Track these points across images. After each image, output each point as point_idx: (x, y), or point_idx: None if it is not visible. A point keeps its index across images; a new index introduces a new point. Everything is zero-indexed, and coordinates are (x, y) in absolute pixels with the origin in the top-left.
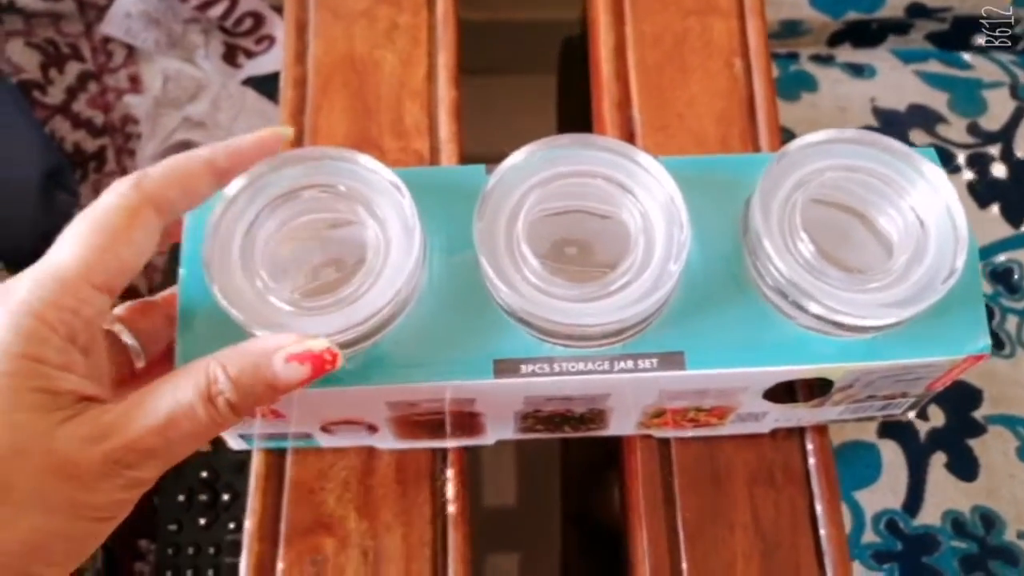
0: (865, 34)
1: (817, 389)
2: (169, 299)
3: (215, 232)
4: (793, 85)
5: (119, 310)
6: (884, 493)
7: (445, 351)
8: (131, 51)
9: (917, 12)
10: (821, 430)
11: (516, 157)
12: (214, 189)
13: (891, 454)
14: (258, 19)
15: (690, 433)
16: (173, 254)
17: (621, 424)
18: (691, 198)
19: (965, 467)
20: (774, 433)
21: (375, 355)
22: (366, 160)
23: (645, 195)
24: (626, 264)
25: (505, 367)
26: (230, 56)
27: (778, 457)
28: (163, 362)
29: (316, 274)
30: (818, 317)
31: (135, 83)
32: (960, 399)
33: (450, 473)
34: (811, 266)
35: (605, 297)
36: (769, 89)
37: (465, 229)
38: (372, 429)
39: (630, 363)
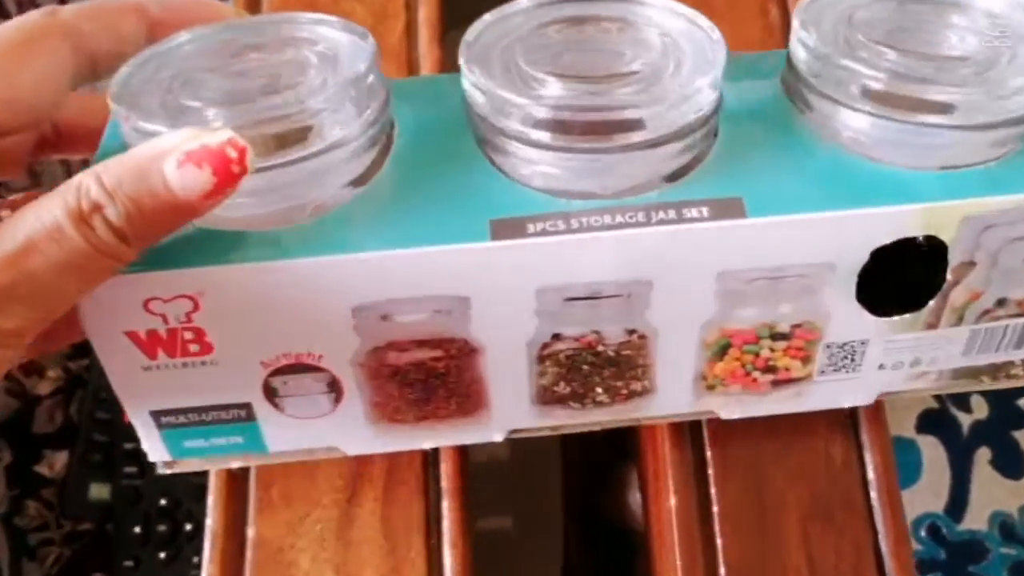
0: None
1: (928, 292)
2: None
3: (132, 70)
4: None
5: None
6: (925, 495)
7: (426, 214)
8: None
9: None
10: (884, 453)
11: (503, 10)
12: (141, 36)
13: (932, 451)
14: None
15: (769, 404)
16: None
17: (673, 384)
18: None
19: (1012, 463)
20: (829, 461)
21: (326, 223)
22: (325, 16)
23: (665, 20)
24: (653, 65)
25: (505, 227)
26: None
27: (836, 490)
28: None
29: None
30: (934, 107)
31: None
32: None
33: (447, 522)
34: (898, 62)
35: (632, 98)
36: None
37: (446, 116)
38: (335, 389)
39: (672, 212)
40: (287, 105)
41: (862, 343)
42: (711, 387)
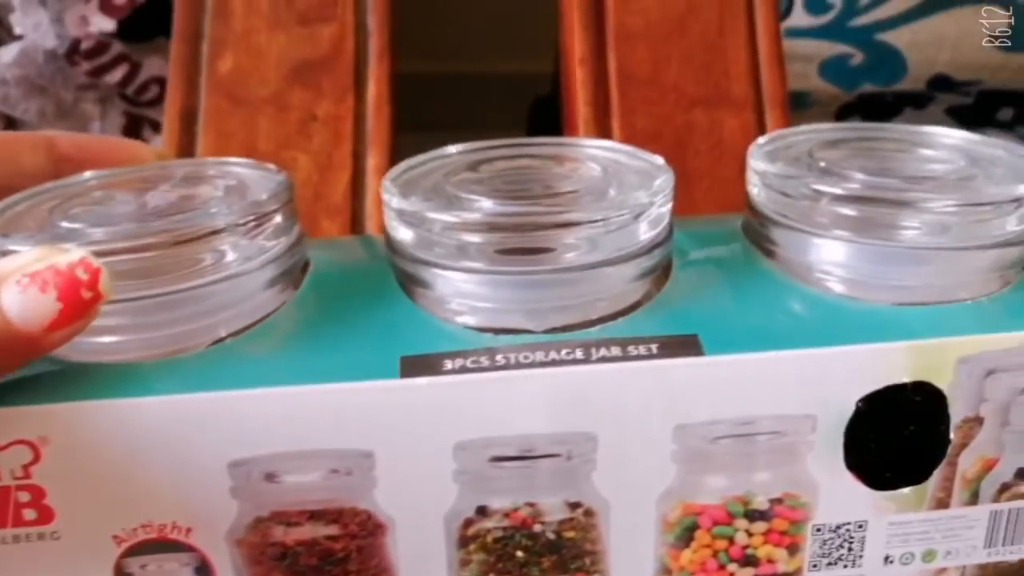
0: (879, 107)
1: (932, 458)
2: None
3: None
4: None
5: None
6: None
7: (323, 348)
8: (11, 123)
9: (941, 85)
10: None
11: (419, 158)
12: (46, 171)
13: None
14: (165, 87)
15: None
16: None
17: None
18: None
19: None
20: None
21: (211, 357)
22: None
23: (608, 159)
24: (594, 185)
25: (418, 363)
26: (132, 129)
27: None
28: None
29: None
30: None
31: None
32: None
33: None
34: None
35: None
36: None
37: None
38: (203, 565)
39: (616, 350)
40: (176, 224)
41: (859, 526)
42: (673, 571)
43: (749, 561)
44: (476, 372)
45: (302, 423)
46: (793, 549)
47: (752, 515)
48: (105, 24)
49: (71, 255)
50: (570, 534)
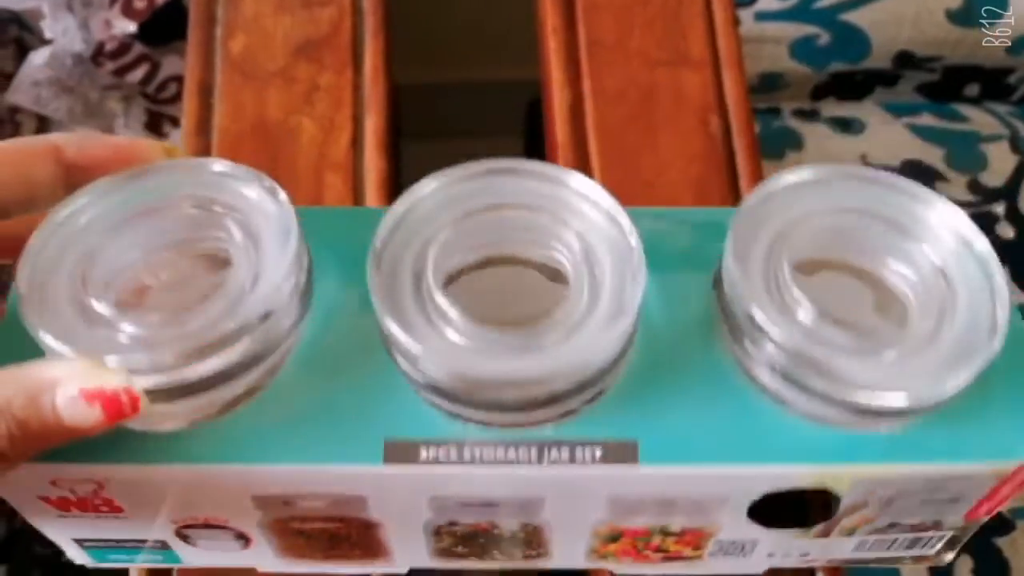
0: (850, 86)
1: (820, 507)
2: None
3: (37, 255)
4: (776, 143)
5: None
6: None
7: (321, 428)
8: (42, 121)
9: (905, 62)
10: (837, 570)
11: (415, 193)
12: (58, 182)
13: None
14: (183, 84)
15: (659, 570)
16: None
17: (567, 551)
18: (654, 252)
19: (993, 572)
20: (778, 573)
21: (231, 425)
22: (237, 169)
23: (584, 226)
24: (562, 312)
25: (399, 451)
26: (153, 125)
27: None
28: None
29: (170, 296)
30: (818, 395)
31: None
32: None
33: None
34: (807, 328)
35: (534, 352)
36: (751, 150)
37: (363, 280)
38: (244, 540)
39: (564, 452)
40: (201, 333)
41: (752, 542)
42: (604, 557)
43: (661, 551)
44: (446, 465)
45: (309, 483)
46: (697, 548)
47: (667, 533)
48: (127, 26)
49: (117, 379)
50: (521, 535)
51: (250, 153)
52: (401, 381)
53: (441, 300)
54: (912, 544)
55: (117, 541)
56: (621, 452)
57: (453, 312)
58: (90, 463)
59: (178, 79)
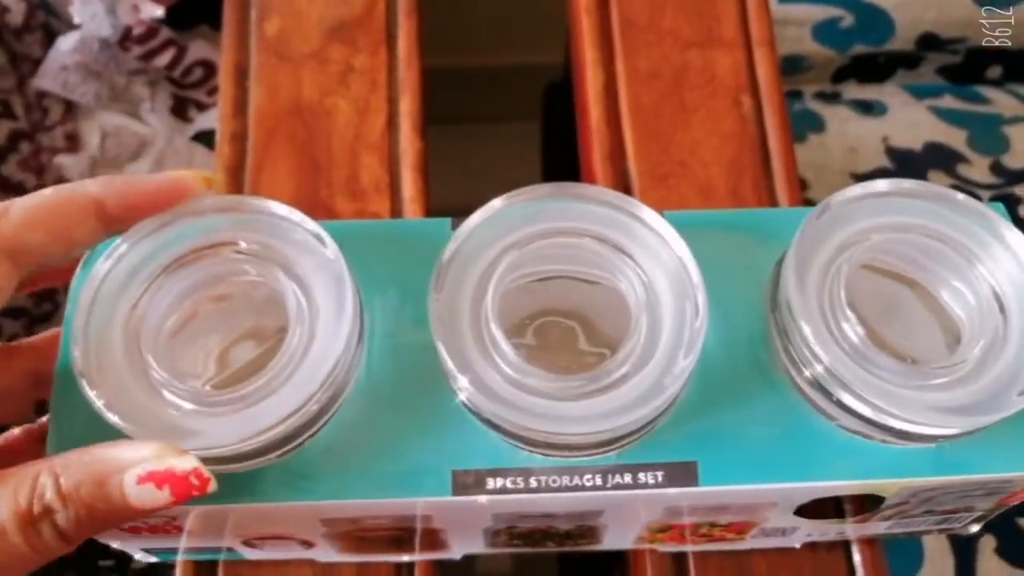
0: (872, 69)
1: (863, 502)
2: (37, 346)
3: (89, 310)
4: (799, 125)
5: None
6: None
7: (390, 459)
8: (69, 106)
9: (929, 44)
10: (871, 541)
11: (485, 212)
12: (99, 236)
13: (934, 540)
14: (209, 68)
15: (704, 548)
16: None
17: (617, 539)
18: (704, 262)
19: (1019, 552)
20: (814, 545)
21: (300, 462)
22: (281, 208)
23: (649, 261)
24: (623, 352)
25: (466, 482)
26: (179, 109)
27: (820, 574)
28: (25, 441)
29: (228, 354)
30: (866, 420)
31: (72, 141)
32: None
33: None
34: (858, 353)
35: (595, 394)
36: (783, 130)
37: (420, 300)
38: (307, 544)
39: (628, 477)
40: (260, 435)
41: (793, 528)
42: (651, 542)
43: (706, 536)
44: (513, 494)
45: (378, 512)
46: (741, 534)
47: (714, 524)
48: (154, 11)
49: (186, 463)
50: (576, 532)
51: (286, 134)
52: (465, 412)
53: (496, 331)
54: (942, 522)
55: (187, 550)
56: (681, 474)
57: (506, 347)
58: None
59: (204, 64)
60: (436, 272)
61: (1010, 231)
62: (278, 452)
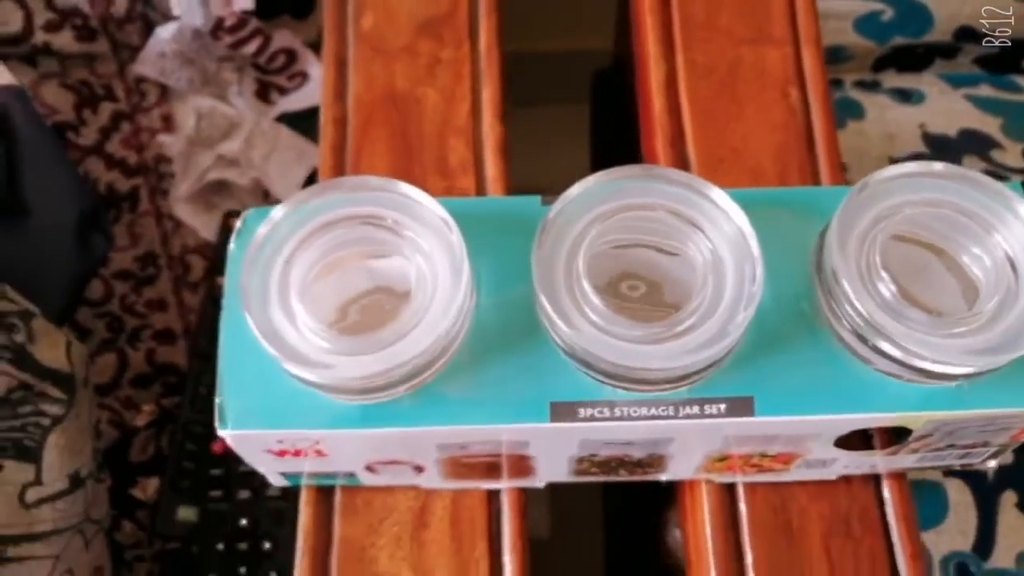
0: (911, 59)
1: (892, 435)
2: None
3: (253, 263)
4: (839, 113)
5: None
6: (952, 535)
7: (499, 392)
8: (164, 90)
9: (966, 36)
10: (898, 476)
11: (580, 187)
12: None
13: (957, 494)
14: (291, 56)
15: (753, 479)
16: (210, 294)
17: (680, 468)
18: (759, 232)
19: None
20: (848, 480)
21: (425, 395)
22: (411, 190)
23: (714, 231)
24: (693, 305)
25: (562, 410)
26: (263, 93)
27: (854, 507)
28: None
29: (361, 304)
30: (898, 362)
31: (168, 122)
32: None
33: (507, 528)
34: (891, 307)
35: (670, 339)
36: (827, 120)
37: (517, 263)
38: (419, 469)
39: (696, 408)
40: (395, 369)
41: (833, 459)
42: (708, 471)
43: (756, 466)
44: (601, 421)
45: (487, 437)
46: (787, 464)
47: (764, 454)
48: (245, 4)
49: None
50: (647, 462)
51: (382, 119)
52: (559, 354)
53: (586, 285)
54: (963, 456)
55: (315, 475)
56: (740, 406)
57: (595, 299)
58: (315, 429)
59: (286, 51)
60: (538, 234)
61: (1022, 204)
62: (406, 385)
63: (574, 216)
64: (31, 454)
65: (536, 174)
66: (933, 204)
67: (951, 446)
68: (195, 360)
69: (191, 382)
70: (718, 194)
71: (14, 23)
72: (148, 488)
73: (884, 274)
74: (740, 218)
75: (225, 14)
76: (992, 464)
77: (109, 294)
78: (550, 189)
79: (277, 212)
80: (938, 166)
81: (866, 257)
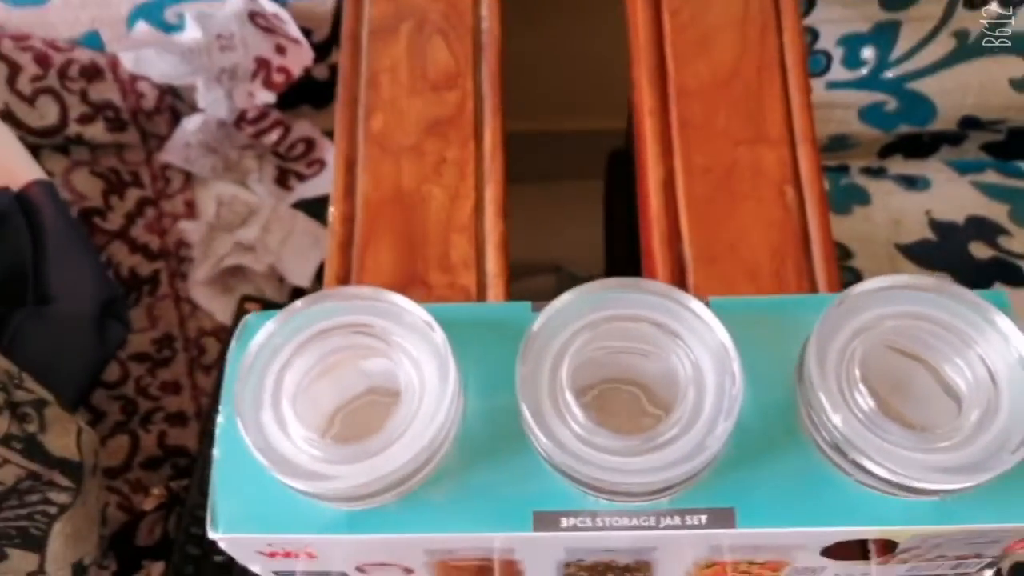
0: (917, 146)
1: (885, 544)
2: None
3: (248, 372)
4: (845, 199)
5: None
6: None
7: (483, 499)
8: (188, 177)
9: (970, 124)
10: None
11: (563, 300)
12: None
13: None
14: (310, 144)
15: None
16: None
17: (668, 574)
18: (744, 341)
19: None
20: None
21: (411, 501)
22: (398, 299)
23: (695, 342)
24: (674, 418)
25: (545, 520)
26: (282, 179)
27: None
28: None
29: (355, 407)
30: (877, 477)
31: (190, 208)
32: None
33: None
34: (870, 421)
35: (651, 451)
36: (823, 218)
37: (506, 370)
38: (408, 571)
39: (677, 519)
40: (381, 479)
41: (822, 568)
42: None
43: (745, 572)
44: (584, 531)
45: (472, 543)
46: (775, 571)
47: (752, 562)
48: (268, 98)
49: None
50: (634, 565)
51: (389, 216)
52: (542, 463)
53: (570, 398)
54: (955, 567)
55: (306, 572)
56: (721, 517)
57: (578, 411)
58: (302, 534)
59: (305, 140)
60: (522, 347)
61: (1000, 317)
62: (393, 492)
63: (558, 328)
64: (36, 543)
65: (552, 247)
66: (912, 317)
67: (941, 556)
68: (205, 443)
69: (200, 465)
70: (698, 306)
71: (50, 116)
72: (153, 573)
73: (862, 387)
74: (720, 330)
75: (248, 107)
76: (988, 574)
77: (125, 376)
78: (565, 261)
79: (271, 323)
80: (916, 279)
81: (845, 369)
